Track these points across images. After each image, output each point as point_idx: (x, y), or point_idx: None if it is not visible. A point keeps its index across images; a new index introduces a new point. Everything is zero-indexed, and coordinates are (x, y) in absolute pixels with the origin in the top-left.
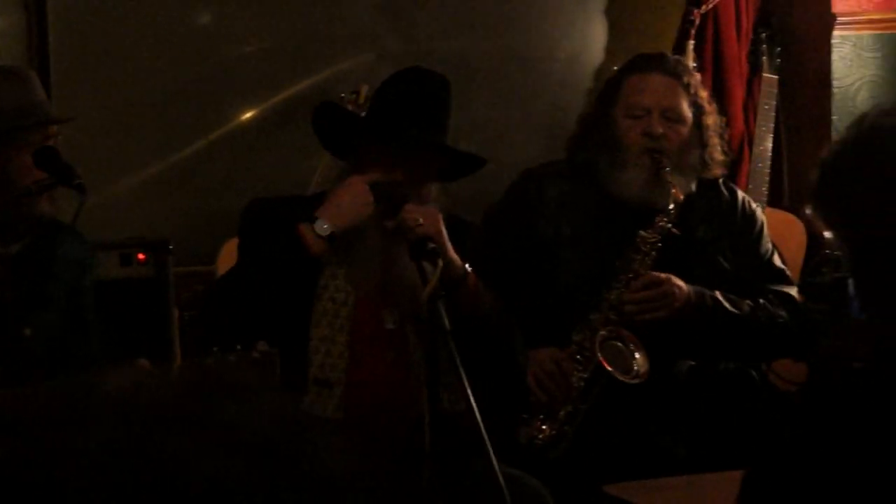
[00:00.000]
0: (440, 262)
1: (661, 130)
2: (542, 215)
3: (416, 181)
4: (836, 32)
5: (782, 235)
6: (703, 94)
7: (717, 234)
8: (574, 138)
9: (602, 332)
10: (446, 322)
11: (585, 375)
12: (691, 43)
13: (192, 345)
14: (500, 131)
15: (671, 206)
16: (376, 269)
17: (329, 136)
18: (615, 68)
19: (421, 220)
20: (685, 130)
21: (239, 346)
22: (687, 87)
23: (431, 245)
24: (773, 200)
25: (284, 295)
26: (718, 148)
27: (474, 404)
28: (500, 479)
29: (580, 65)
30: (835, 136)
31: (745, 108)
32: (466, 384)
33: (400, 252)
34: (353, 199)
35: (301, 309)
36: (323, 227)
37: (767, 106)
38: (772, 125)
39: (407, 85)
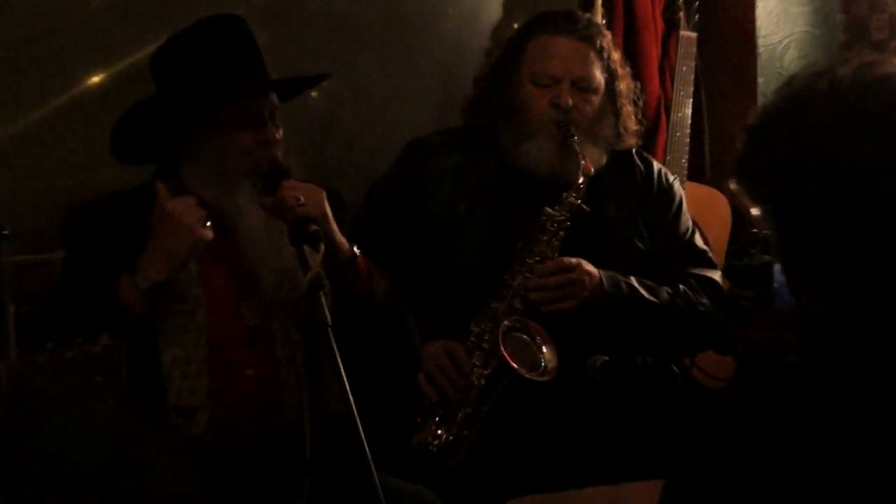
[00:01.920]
0: (322, 247)
1: (571, 102)
2: (435, 190)
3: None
4: None
5: (704, 213)
6: (616, 56)
7: (632, 212)
8: (471, 103)
9: (505, 323)
10: (327, 315)
11: (486, 372)
12: None
13: (29, 341)
14: (387, 96)
15: (580, 181)
16: (262, 254)
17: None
18: (515, 26)
19: (302, 199)
20: (597, 100)
21: (79, 341)
22: (600, 51)
23: (313, 227)
24: (694, 173)
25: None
26: (632, 116)
27: (354, 408)
28: (380, 492)
29: (475, 22)
30: (761, 100)
31: (661, 71)
32: (347, 385)
33: (279, 234)
34: (177, 237)
35: (142, 335)
36: (144, 280)
37: (686, 67)
38: (691, 89)
39: (213, 35)
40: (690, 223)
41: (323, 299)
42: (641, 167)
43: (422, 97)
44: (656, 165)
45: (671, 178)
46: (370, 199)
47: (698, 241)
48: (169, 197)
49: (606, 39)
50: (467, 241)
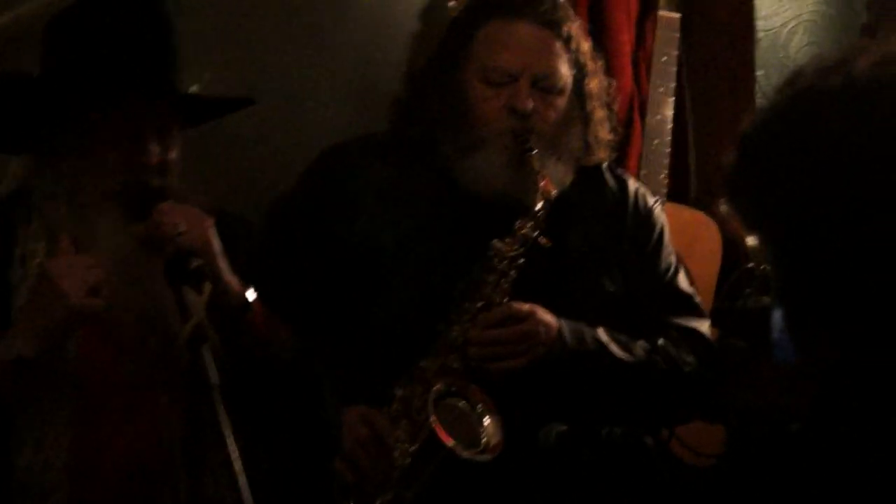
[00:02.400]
0: (207, 288)
1: (531, 105)
2: (354, 213)
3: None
4: None
5: (688, 242)
6: (586, 47)
7: (601, 245)
8: (402, 104)
9: (437, 387)
10: (213, 375)
11: (412, 448)
12: None
13: None
14: (293, 92)
15: (539, 206)
16: (123, 295)
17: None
18: (451, 3)
19: (182, 227)
20: (562, 103)
21: None
22: (567, 41)
23: (196, 262)
24: (676, 192)
25: None
26: (605, 123)
27: (247, 492)
28: None
29: (402, 1)
30: (760, 100)
31: (635, 61)
32: (238, 466)
33: (152, 271)
34: (52, 306)
35: None
36: (5, 351)
37: (666, 57)
38: (673, 85)
39: (116, 13)
40: (673, 259)
41: (207, 355)
42: (614, 187)
43: (336, 93)
44: (632, 185)
45: (651, 201)
46: (270, 224)
47: (682, 282)
48: (64, 250)
49: (575, 25)
50: (394, 280)
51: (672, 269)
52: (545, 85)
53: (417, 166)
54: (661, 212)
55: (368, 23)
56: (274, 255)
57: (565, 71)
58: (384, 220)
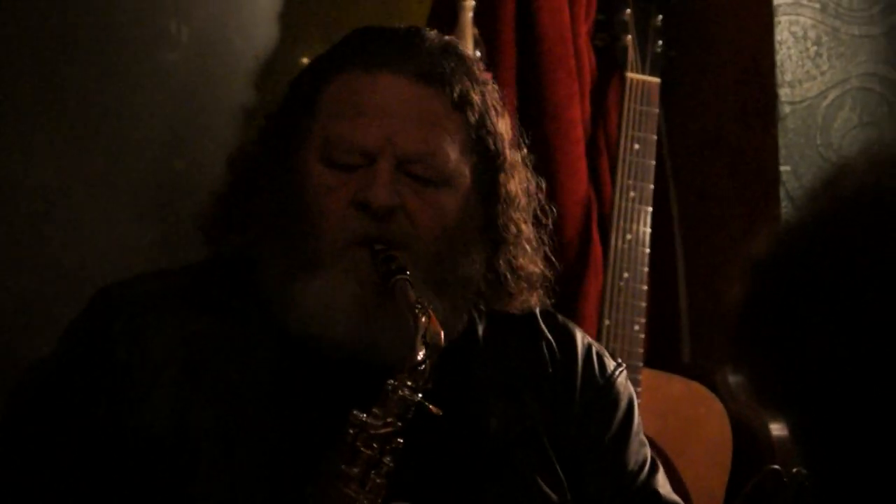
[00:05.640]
0: None
1: (393, 200)
2: (143, 388)
3: None
4: None
5: (682, 428)
6: (500, 119)
7: (534, 429)
8: (216, 205)
9: None
10: None
11: None
12: (469, 4)
13: None
14: (54, 185)
15: (421, 354)
16: None
17: None
18: (304, 61)
19: None
20: (451, 201)
21: None
22: (461, 105)
23: None
24: (660, 354)
25: None
26: (528, 249)
27: None
28: None
29: (225, 50)
30: (785, 209)
31: (592, 151)
32: None
33: None
34: None
35: None
36: None
37: (639, 145)
38: (650, 186)
39: None
40: (647, 452)
41: None
42: (553, 342)
43: (120, 188)
44: (581, 339)
45: (610, 364)
46: (12, 409)
47: (662, 485)
48: None
49: (480, 86)
50: (214, 479)
51: (646, 467)
52: (419, 170)
53: (238, 308)
54: (625, 382)
55: (169, 86)
56: (18, 453)
57: (454, 152)
58: (189, 395)
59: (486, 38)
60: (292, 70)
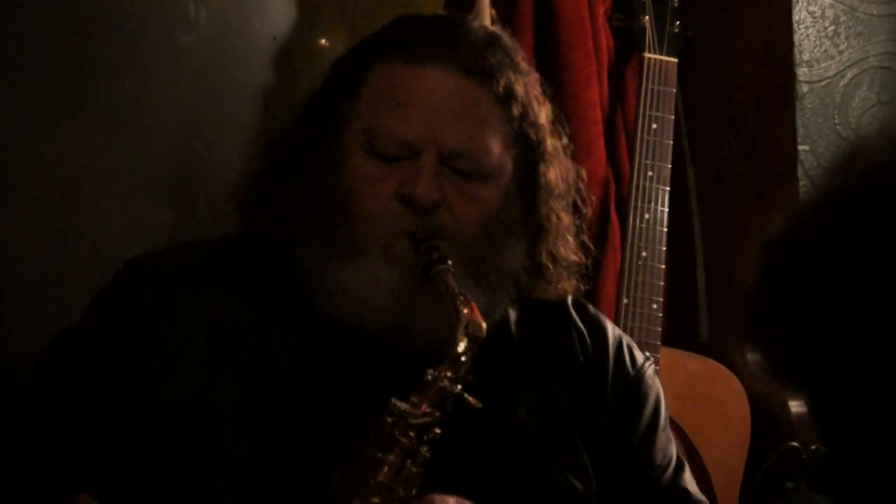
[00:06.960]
0: None
1: (436, 195)
2: (169, 361)
3: None
4: None
5: (700, 408)
6: (542, 114)
7: (562, 419)
8: (249, 192)
9: None
10: None
11: None
12: None
13: None
14: (72, 168)
15: (462, 347)
16: None
17: None
18: (323, 42)
19: None
20: (492, 195)
21: None
22: (506, 100)
23: None
24: (678, 333)
25: None
26: (569, 236)
27: None
28: None
29: (243, 31)
30: (803, 187)
31: (610, 131)
32: None
33: None
34: None
35: None
36: None
37: (657, 125)
38: (668, 166)
39: None
40: (673, 450)
41: None
42: (584, 332)
43: (146, 170)
44: (612, 330)
45: (640, 358)
46: (38, 381)
47: (689, 482)
48: None
49: (524, 79)
50: (229, 462)
51: (673, 462)
52: (462, 165)
53: (267, 286)
54: (654, 376)
55: (189, 71)
56: (43, 423)
57: (497, 147)
58: (215, 372)
59: (504, 20)
60: (310, 51)
